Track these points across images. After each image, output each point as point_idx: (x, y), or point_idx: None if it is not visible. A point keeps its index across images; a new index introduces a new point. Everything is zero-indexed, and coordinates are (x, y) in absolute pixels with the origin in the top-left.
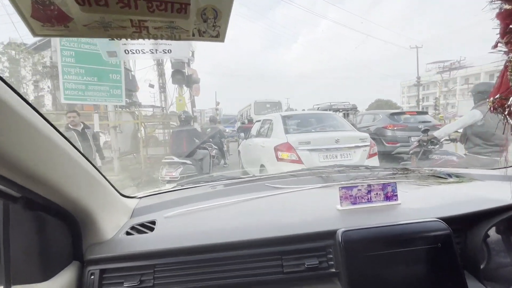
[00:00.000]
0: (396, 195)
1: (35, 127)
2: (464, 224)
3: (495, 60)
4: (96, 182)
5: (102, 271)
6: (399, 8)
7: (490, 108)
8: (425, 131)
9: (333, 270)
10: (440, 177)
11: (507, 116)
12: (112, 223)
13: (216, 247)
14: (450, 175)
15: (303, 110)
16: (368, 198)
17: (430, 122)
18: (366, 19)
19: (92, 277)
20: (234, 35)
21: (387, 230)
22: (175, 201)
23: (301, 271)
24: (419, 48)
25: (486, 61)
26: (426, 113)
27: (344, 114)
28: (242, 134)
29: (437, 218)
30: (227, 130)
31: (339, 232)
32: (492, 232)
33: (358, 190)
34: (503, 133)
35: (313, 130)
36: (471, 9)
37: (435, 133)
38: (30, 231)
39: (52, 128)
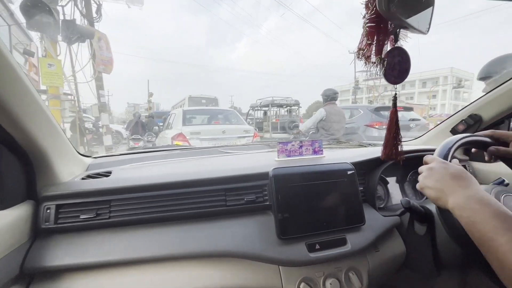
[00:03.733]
0: (322, 150)
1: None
2: (366, 169)
3: (423, 70)
4: (55, 130)
5: (58, 206)
6: (338, 15)
7: (358, 57)
8: (295, 126)
9: (267, 203)
10: (361, 145)
11: (367, 62)
12: (67, 170)
13: (168, 185)
14: (369, 144)
15: (250, 106)
16: (300, 152)
17: (419, 119)
18: (310, 22)
19: (48, 211)
20: (176, 27)
21: (307, 167)
22: (133, 159)
23: (241, 204)
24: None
25: (421, 69)
26: (411, 109)
27: (287, 110)
28: None
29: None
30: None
31: (271, 170)
32: (393, 180)
33: (292, 145)
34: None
35: (206, 123)
36: None
37: (300, 128)
38: None
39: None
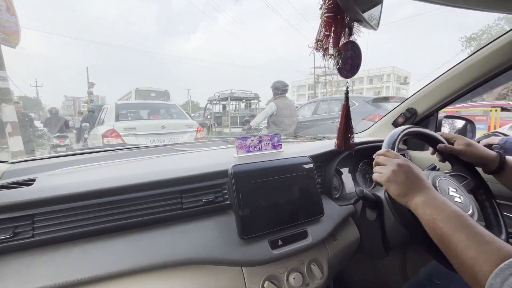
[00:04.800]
0: (281, 144)
1: None
2: (323, 161)
3: (370, 68)
4: None
5: None
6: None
7: (316, 48)
8: (246, 121)
9: (227, 202)
10: (317, 139)
11: (325, 54)
12: None
13: (111, 190)
14: (324, 137)
15: (208, 100)
16: (259, 147)
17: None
18: (275, 10)
19: None
20: (121, 11)
21: (267, 163)
22: (65, 163)
23: (198, 205)
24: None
25: (368, 67)
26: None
27: (246, 103)
28: None
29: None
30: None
31: (230, 167)
32: (346, 170)
33: (251, 140)
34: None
35: (143, 118)
36: None
37: (251, 123)
38: None
39: None
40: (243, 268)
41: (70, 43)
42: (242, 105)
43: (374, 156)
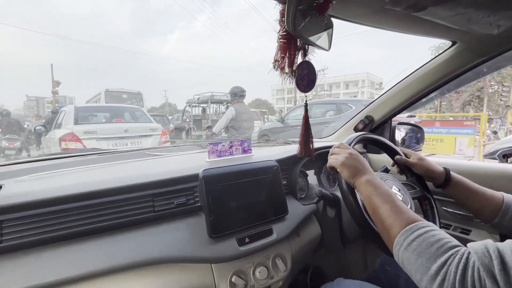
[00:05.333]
0: (251, 149)
1: None
2: (289, 164)
3: (347, 74)
4: None
5: None
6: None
7: (274, 67)
8: (209, 127)
9: (198, 204)
10: (287, 143)
11: (282, 73)
12: None
13: (83, 195)
14: (293, 141)
15: (187, 102)
16: (230, 151)
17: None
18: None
19: None
20: (92, 8)
21: (236, 167)
22: (33, 169)
23: (170, 208)
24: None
25: (344, 73)
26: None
27: (227, 106)
28: None
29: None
30: None
31: (201, 171)
32: (311, 172)
33: (222, 145)
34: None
35: (105, 121)
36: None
37: (213, 129)
38: None
39: None
40: (212, 264)
41: (35, 38)
42: (223, 108)
43: (330, 150)
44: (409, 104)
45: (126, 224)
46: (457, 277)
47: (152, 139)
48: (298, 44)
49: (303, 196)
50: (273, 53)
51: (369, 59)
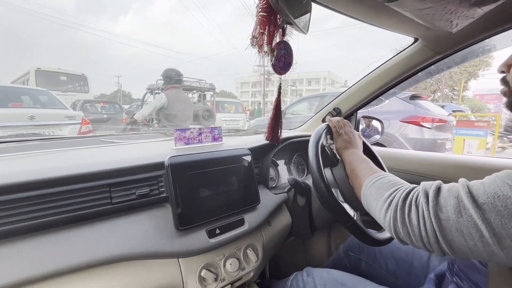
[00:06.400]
0: (221, 137)
1: None
2: (260, 153)
3: (309, 71)
4: None
5: None
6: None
7: (252, 44)
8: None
9: (164, 195)
10: (257, 133)
11: (260, 51)
12: None
13: (28, 184)
14: (263, 131)
15: (148, 88)
16: (199, 139)
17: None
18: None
19: None
20: None
21: (206, 154)
22: None
23: (131, 199)
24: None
25: (306, 69)
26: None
27: (200, 94)
28: None
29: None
30: None
31: (166, 159)
32: (282, 162)
33: (191, 132)
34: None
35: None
36: None
37: (135, 116)
38: None
39: None
40: (179, 259)
41: None
42: (195, 96)
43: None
44: (373, 97)
45: (81, 217)
46: (402, 195)
47: (70, 129)
48: (277, 21)
49: (273, 185)
50: (245, 42)
51: (328, 58)
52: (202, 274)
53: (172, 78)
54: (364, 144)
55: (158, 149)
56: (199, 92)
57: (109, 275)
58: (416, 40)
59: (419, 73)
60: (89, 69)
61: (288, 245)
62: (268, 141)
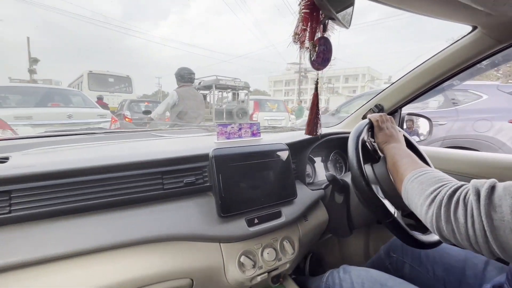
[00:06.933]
0: (260, 133)
1: None
2: (297, 149)
3: (346, 67)
4: None
5: None
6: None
7: (294, 41)
8: (147, 112)
9: (207, 184)
10: (293, 130)
11: (301, 47)
12: None
13: (92, 169)
14: (299, 129)
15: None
16: (239, 134)
17: None
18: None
19: None
20: None
21: (246, 148)
22: (39, 143)
23: (179, 187)
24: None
25: (343, 66)
26: None
27: (234, 93)
28: None
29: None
30: None
31: (211, 151)
32: (319, 159)
33: (232, 127)
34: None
35: (36, 105)
36: None
37: (151, 115)
38: None
39: None
40: (221, 243)
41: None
42: (229, 95)
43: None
44: (422, 92)
45: (135, 200)
46: (448, 192)
47: (102, 126)
48: (320, 17)
49: (310, 181)
50: (280, 39)
51: (367, 53)
52: (241, 260)
53: (184, 77)
54: (408, 141)
55: (201, 142)
56: (233, 91)
57: (159, 252)
58: (474, 28)
59: (478, 64)
60: (132, 71)
61: (324, 242)
62: (307, 136)
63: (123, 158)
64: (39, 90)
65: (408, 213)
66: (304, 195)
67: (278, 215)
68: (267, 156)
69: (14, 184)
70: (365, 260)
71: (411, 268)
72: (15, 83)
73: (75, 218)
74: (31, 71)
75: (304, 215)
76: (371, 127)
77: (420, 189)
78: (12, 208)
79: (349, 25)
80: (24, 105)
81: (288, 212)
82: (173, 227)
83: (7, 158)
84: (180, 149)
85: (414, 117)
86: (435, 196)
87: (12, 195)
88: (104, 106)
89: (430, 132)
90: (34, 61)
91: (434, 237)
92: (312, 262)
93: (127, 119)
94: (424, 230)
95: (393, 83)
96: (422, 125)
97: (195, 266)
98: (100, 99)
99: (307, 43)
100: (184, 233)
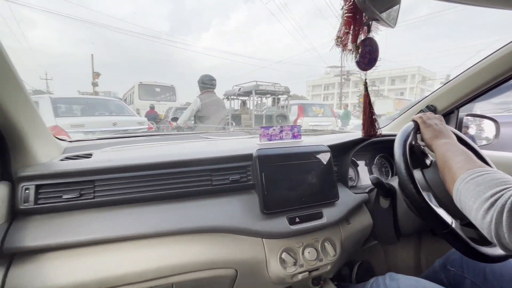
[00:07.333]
0: (300, 135)
1: None
2: (339, 152)
3: (392, 68)
4: (30, 108)
5: (38, 187)
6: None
7: (336, 44)
8: (175, 119)
9: (251, 182)
10: (334, 132)
11: (344, 49)
12: (44, 151)
13: (154, 165)
14: (341, 132)
15: (225, 94)
16: (280, 136)
17: None
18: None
19: (27, 191)
20: (132, 9)
21: (288, 149)
22: (113, 143)
23: (226, 183)
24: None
25: (388, 68)
26: None
27: (273, 99)
28: None
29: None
30: None
31: (254, 151)
32: (362, 163)
33: (273, 129)
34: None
35: (86, 115)
36: None
37: (178, 122)
38: None
39: None
40: (263, 239)
41: (79, 38)
42: (269, 101)
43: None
44: (483, 91)
45: (188, 194)
46: (509, 201)
47: (140, 133)
48: (363, 19)
49: (353, 185)
50: (321, 42)
51: (416, 52)
52: (282, 256)
53: (206, 84)
54: (462, 139)
55: (245, 144)
56: (273, 96)
57: (207, 241)
58: None
59: None
60: (177, 81)
61: (368, 250)
62: (350, 138)
63: (180, 157)
64: (86, 101)
65: (468, 222)
66: (347, 197)
67: (319, 215)
68: (308, 157)
69: (97, 175)
70: (415, 274)
71: (472, 285)
72: (67, 96)
73: (141, 206)
74: (94, 84)
75: (346, 218)
76: (418, 129)
77: (477, 191)
78: (95, 195)
79: (395, 24)
80: (78, 114)
81: (329, 214)
82: (220, 220)
83: (90, 155)
84: (226, 149)
85: (476, 119)
86: (496, 200)
87: (95, 184)
88: (155, 114)
89: (496, 135)
90: (96, 74)
91: (501, 251)
92: (360, 270)
93: (172, 125)
94: (489, 242)
95: (449, 81)
96: (487, 128)
97: (240, 257)
98: (152, 108)
99: (350, 46)
100: (229, 226)
